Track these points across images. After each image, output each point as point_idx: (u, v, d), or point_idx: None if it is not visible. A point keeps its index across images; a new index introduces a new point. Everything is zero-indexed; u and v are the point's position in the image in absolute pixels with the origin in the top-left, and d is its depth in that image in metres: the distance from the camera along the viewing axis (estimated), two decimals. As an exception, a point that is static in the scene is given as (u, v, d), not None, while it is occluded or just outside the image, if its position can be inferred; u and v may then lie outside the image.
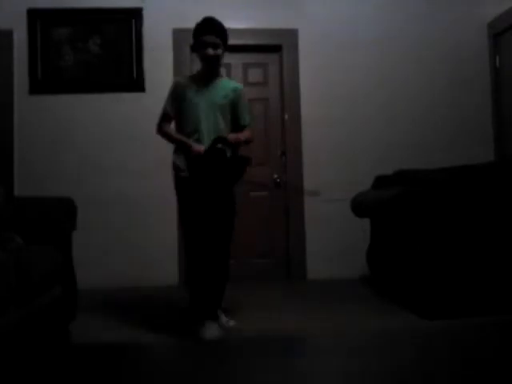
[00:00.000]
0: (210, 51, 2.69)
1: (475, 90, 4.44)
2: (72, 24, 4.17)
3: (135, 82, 4.20)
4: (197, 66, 4.36)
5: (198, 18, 4.42)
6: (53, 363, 2.23)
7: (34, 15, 4.13)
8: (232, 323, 2.73)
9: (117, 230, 4.11)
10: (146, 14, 4.23)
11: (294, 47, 4.35)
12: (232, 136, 2.67)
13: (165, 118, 2.79)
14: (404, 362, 2.09)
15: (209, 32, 2.72)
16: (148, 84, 4.20)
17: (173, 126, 2.86)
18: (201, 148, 2.58)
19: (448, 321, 2.72)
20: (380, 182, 3.66)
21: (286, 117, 4.32)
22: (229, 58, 4.38)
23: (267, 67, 4.43)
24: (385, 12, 4.41)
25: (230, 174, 2.61)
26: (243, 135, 2.75)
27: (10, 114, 4.07)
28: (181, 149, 2.70)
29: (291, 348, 2.42)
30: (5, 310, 1.98)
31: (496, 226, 2.87)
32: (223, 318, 2.73)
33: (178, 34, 4.25)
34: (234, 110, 2.79)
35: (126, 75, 4.20)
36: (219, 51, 2.71)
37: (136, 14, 4.20)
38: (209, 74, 2.80)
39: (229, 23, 4.34)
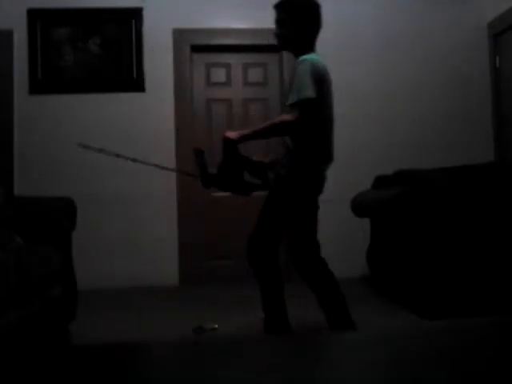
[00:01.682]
0: (275, 29, 2.35)
1: (475, 89, 4.44)
2: (72, 24, 4.16)
3: (135, 82, 4.20)
4: (197, 65, 4.38)
5: (198, 18, 4.45)
6: (53, 363, 2.22)
7: (34, 15, 4.13)
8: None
9: (117, 230, 4.11)
10: (146, 14, 4.23)
11: (294, 47, 4.34)
12: (230, 134, 2.29)
13: None
14: (404, 362, 2.09)
15: (275, 7, 2.35)
16: (148, 84, 4.20)
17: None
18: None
19: (448, 321, 2.72)
20: (380, 182, 3.65)
21: (286, 117, 4.31)
22: (229, 58, 4.39)
23: (267, 67, 4.43)
24: (385, 12, 4.41)
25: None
26: (255, 128, 2.30)
27: (10, 114, 4.07)
28: None
29: (291, 348, 2.42)
30: (5, 310, 1.98)
31: (496, 226, 2.87)
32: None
33: (177, 34, 4.25)
34: None
35: (126, 75, 4.20)
36: (284, 29, 2.31)
37: (136, 14, 4.20)
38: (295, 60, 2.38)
39: (229, 23, 4.38)
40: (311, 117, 2.21)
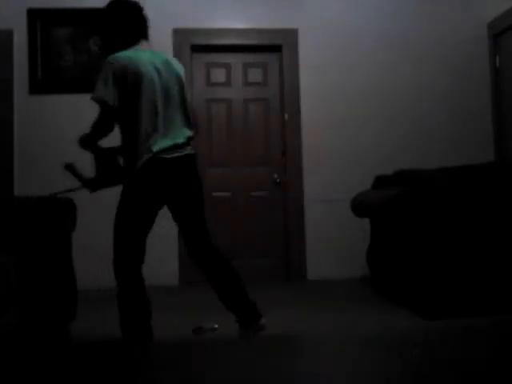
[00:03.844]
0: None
1: (475, 89, 4.44)
2: (72, 24, 4.16)
3: (135, 82, 4.20)
4: (197, 65, 4.38)
5: (198, 18, 4.46)
6: (53, 363, 2.22)
7: (34, 15, 4.13)
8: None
9: (117, 230, 4.10)
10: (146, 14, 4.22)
11: (294, 47, 4.35)
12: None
13: None
14: (404, 362, 2.09)
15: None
16: (148, 84, 4.20)
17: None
18: None
19: (448, 321, 2.72)
20: (380, 182, 3.66)
21: (286, 117, 4.32)
22: (229, 58, 4.39)
23: (267, 67, 4.43)
24: (385, 12, 4.41)
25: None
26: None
27: (10, 114, 4.07)
28: None
29: (291, 348, 2.42)
30: (5, 310, 1.98)
31: (496, 226, 2.87)
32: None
33: (177, 33, 4.25)
34: None
35: (126, 75, 4.20)
36: (102, 44, 2.65)
37: (136, 14, 4.20)
38: None
39: (229, 23, 4.37)
40: (107, 113, 2.32)
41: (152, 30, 4.19)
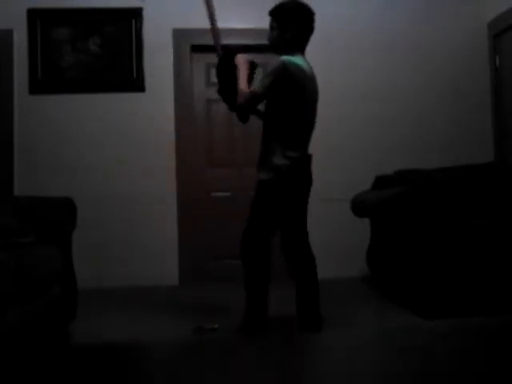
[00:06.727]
0: (268, 34, 2.66)
1: (475, 90, 4.43)
2: (72, 24, 4.16)
3: (135, 82, 4.20)
4: (197, 65, 4.38)
5: (198, 18, 4.43)
6: (53, 363, 2.22)
7: (34, 15, 4.12)
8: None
9: (117, 230, 4.10)
10: (146, 14, 4.23)
11: (294, 47, 4.34)
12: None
13: None
14: (404, 362, 2.09)
15: (269, 14, 2.66)
16: (148, 84, 4.20)
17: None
18: None
19: (448, 321, 2.72)
20: (381, 181, 3.66)
21: (286, 117, 4.31)
22: (229, 58, 4.38)
23: (267, 67, 4.41)
24: (385, 12, 4.41)
25: None
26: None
27: (10, 114, 4.07)
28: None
29: (291, 348, 2.42)
30: (5, 310, 1.98)
31: (496, 226, 2.87)
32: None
33: (177, 33, 4.25)
34: None
35: (126, 75, 4.20)
36: (274, 33, 2.60)
37: (136, 14, 4.20)
38: None
39: (229, 23, 4.37)
40: (253, 107, 2.66)
41: (152, 30, 4.23)
